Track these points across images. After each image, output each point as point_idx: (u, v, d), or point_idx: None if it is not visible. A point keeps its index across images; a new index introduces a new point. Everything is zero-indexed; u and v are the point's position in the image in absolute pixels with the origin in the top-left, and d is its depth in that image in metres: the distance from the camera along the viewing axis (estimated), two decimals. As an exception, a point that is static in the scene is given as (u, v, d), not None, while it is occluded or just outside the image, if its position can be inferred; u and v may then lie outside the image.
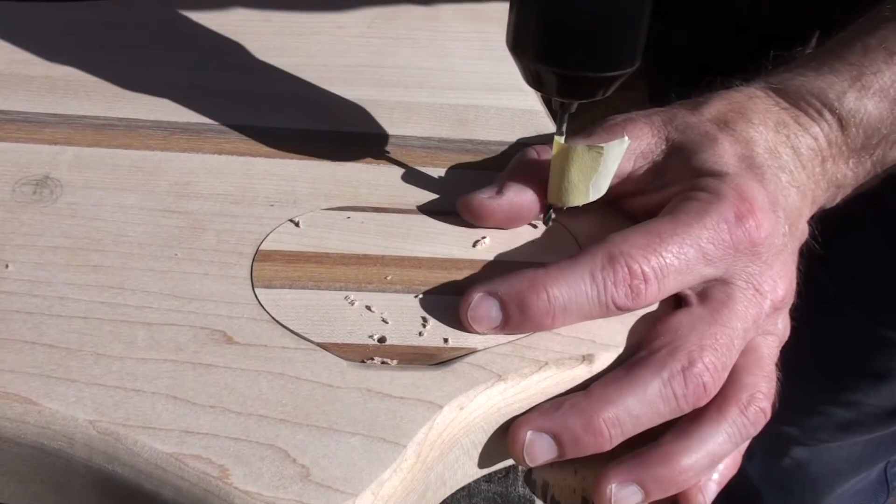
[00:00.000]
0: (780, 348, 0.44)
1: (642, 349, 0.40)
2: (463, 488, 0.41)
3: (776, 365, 0.43)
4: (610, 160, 0.42)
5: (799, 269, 0.44)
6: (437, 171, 0.48)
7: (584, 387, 0.39)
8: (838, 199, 0.47)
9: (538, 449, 0.38)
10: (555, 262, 0.39)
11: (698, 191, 0.41)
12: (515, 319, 0.39)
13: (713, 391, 0.39)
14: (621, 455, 0.39)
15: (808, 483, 0.91)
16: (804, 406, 0.80)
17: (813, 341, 0.71)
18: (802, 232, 0.45)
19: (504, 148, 0.50)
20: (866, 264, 0.69)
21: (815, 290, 0.68)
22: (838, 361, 0.76)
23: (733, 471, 0.42)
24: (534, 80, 0.41)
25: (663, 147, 0.44)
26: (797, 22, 0.49)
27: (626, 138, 0.42)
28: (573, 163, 0.42)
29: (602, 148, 0.41)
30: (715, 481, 0.41)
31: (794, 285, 0.43)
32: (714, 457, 0.39)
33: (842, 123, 0.44)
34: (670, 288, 0.40)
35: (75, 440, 0.36)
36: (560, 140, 0.42)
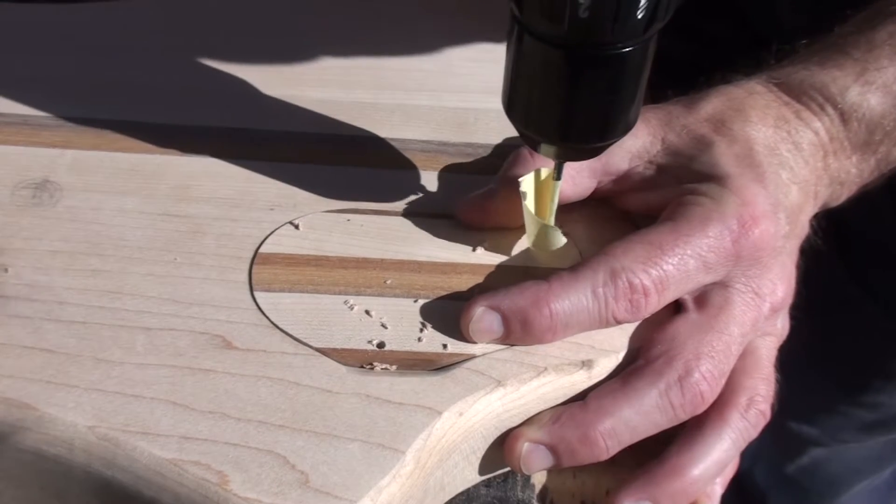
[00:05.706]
0: (778, 348, 0.44)
1: (639, 358, 0.40)
2: (462, 493, 0.41)
3: (775, 366, 0.43)
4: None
5: (798, 267, 0.44)
6: (437, 175, 0.48)
7: (585, 393, 0.39)
8: (843, 198, 0.46)
9: (534, 459, 0.38)
10: (556, 275, 0.39)
11: (699, 195, 0.41)
12: (517, 334, 0.39)
13: (711, 399, 0.39)
14: (622, 460, 0.40)
15: (826, 482, 0.91)
16: (826, 407, 0.79)
17: (835, 342, 0.71)
18: (803, 228, 0.44)
19: (504, 151, 0.50)
20: (890, 264, 0.68)
21: (838, 291, 0.68)
22: (861, 363, 0.75)
23: (734, 471, 0.43)
24: (528, 141, 0.40)
25: (659, 147, 0.44)
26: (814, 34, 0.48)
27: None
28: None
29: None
30: (719, 484, 0.42)
31: (793, 285, 0.43)
32: (721, 463, 0.40)
33: (844, 118, 0.43)
34: (670, 297, 0.40)
35: (74, 446, 0.36)
36: (559, 184, 0.42)
